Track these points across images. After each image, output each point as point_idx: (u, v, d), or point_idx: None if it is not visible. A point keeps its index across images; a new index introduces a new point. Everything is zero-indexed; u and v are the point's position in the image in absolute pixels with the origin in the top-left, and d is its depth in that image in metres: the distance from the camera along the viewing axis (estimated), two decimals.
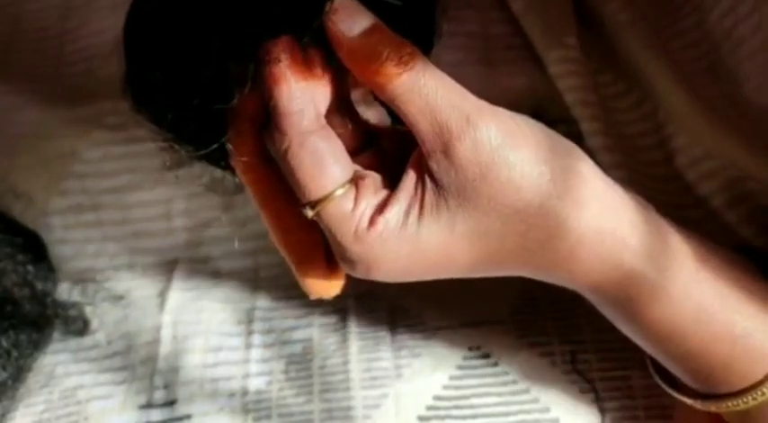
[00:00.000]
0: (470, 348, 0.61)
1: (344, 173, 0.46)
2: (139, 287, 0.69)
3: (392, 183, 0.47)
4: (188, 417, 0.61)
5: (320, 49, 0.46)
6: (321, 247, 0.49)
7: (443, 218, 0.45)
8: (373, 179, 0.47)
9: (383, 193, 0.46)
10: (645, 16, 0.68)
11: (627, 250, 0.47)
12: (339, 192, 0.45)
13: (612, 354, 0.60)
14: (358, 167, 0.48)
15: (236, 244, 0.69)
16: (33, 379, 0.64)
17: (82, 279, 0.69)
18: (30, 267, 0.66)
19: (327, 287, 0.51)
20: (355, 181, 0.46)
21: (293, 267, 0.50)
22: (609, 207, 0.47)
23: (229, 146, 0.47)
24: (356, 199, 0.46)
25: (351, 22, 0.45)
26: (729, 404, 0.50)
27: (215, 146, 0.48)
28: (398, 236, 0.45)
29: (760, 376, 0.49)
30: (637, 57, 0.67)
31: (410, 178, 0.46)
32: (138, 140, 0.70)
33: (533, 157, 0.45)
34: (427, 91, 0.44)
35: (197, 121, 0.47)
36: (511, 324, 0.63)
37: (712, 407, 0.51)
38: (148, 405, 0.62)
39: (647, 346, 0.51)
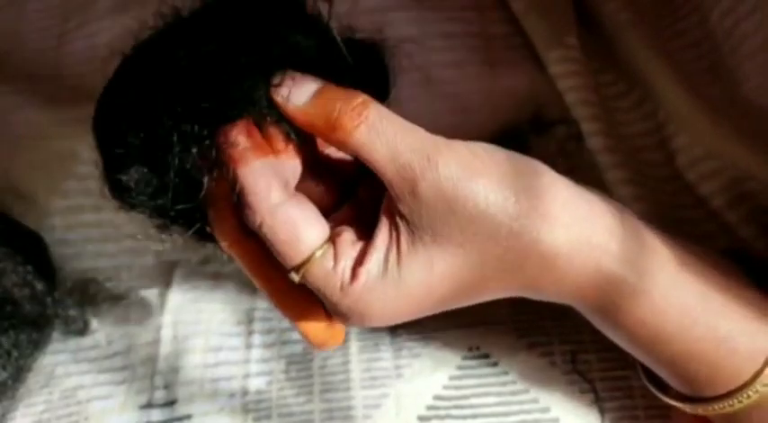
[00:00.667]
0: (470, 348, 0.61)
1: (320, 234, 0.48)
2: (139, 287, 0.69)
3: (371, 232, 0.48)
4: (188, 417, 0.61)
5: (280, 123, 0.48)
6: (318, 302, 0.50)
7: (421, 257, 0.46)
8: (349, 233, 0.48)
9: (360, 245, 0.48)
10: (645, 16, 0.68)
11: (605, 256, 0.48)
12: (318, 253, 0.47)
13: (612, 354, 0.60)
14: (333, 225, 0.49)
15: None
16: (33, 379, 0.64)
17: (82, 279, 0.69)
18: (30, 267, 0.66)
19: (332, 337, 0.51)
20: (332, 239, 0.48)
21: (295, 326, 0.51)
22: (581, 216, 0.48)
23: (210, 227, 0.50)
24: (335, 256, 0.47)
25: (297, 93, 0.47)
26: (716, 407, 0.50)
27: (198, 227, 0.50)
28: (382, 283, 0.47)
29: (745, 378, 0.49)
30: (637, 57, 0.67)
31: (384, 225, 0.47)
32: None
33: (495, 183, 0.46)
34: (385, 138, 0.46)
35: (175, 211, 0.49)
36: (510, 324, 0.62)
37: (699, 410, 0.51)
38: (149, 405, 0.62)
39: (634, 352, 0.52)
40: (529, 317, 0.63)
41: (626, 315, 0.49)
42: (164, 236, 0.52)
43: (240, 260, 0.50)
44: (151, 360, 0.64)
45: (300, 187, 0.50)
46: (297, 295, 0.50)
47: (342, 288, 0.47)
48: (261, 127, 0.48)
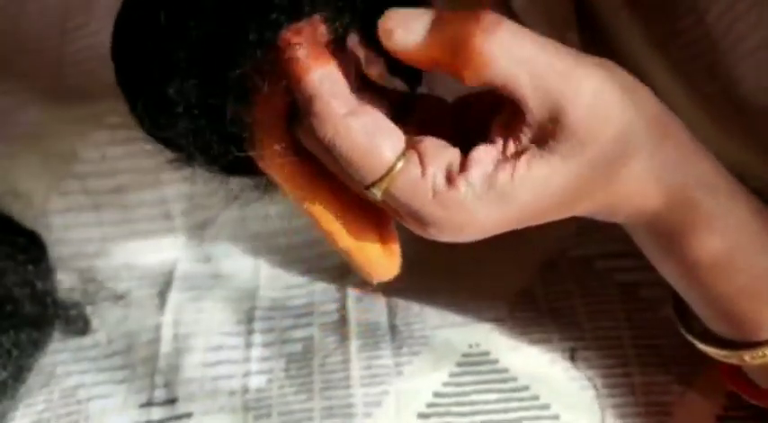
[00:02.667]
0: (470, 345, 0.61)
1: (399, 142, 0.44)
2: (140, 287, 0.69)
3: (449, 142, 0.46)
4: (188, 415, 0.61)
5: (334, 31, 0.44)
6: (374, 228, 0.48)
7: (541, 171, 0.43)
8: (430, 140, 0.45)
9: (452, 152, 0.45)
10: (644, 14, 0.68)
11: (690, 176, 0.47)
12: (401, 162, 0.43)
13: (612, 351, 0.60)
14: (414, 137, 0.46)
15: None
16: (34, 378, 0.64)
17: (82, 279, 0.69)
18: (30, 267, 0.66)
19: (388, 267, 0.49)
20: (412, 146, 0.45)
21: (350, 254, 0.48)
22: (681, 135, 0.48)
23: (257, 151, 0.46)
24: (422, 162, 0.44)
25: (411, 31, 0.43)
26: (767, 351, 0.49)
27: (238, 155, 0.46)
28: (487, 197, 0.43)
29: None
30: (636, 55, 0.67)
31: (497, 140, 0.44)
32: (138, 140, 0.70)
33: (628, 98, 0.45)
34: (525, 48, 0.43)
35: (217, 131, 0.45)
36: (510, 321, 0.62)
37: (746, 356, 0.50)
38: (149, 404, 0.62)
39: (690, 287, 0.51)
40: (529, 314, 0.63)
41: (695, 242, 0.48)
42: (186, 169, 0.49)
43: (289, 184, 0.47)
44: (151, 359, 0.64)
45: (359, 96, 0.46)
46: (353, 220, 0.47)
47: (435, 197, 0.43)
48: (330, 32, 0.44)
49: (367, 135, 0.43)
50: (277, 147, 0.46)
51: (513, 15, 0.71)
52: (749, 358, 0.50)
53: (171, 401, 0.62)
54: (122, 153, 0.72)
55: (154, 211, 0.71)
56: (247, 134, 0.45)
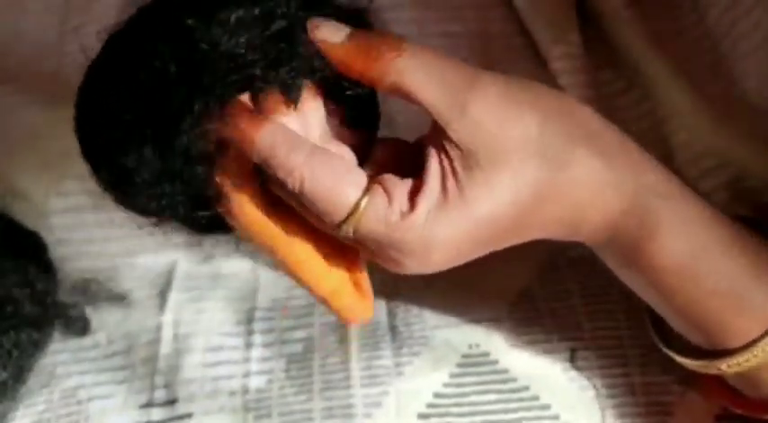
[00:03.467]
0: (470, 346, 0.61)
1: (363, 178, 0.47)
2: (140, 287, 0.69)
3: (409, 173, 0.48)
4: (189, 416, 0.61)
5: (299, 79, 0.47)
6: (346, 274, 0.50)
7: (479, 180, 0.46)
8: (389, 175, 0.48)
9: (407, 181, 0.47)
10: (646, 14, 0.68)
11: (642, 181, 0.48)
12: (366, 197, 0.46)
13: (612, 351, 0.60)
14: (367, 168, 0.49)
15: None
16: (34, 379, 0.64)
17: (82, 279, 0.69)
18: (30, 268, 0.66)
19: (363, 310, 0.51)
20: (375, 181, 0.47)
21: (325, 301, 0.51)
22: (618, 143, 0.49)
23: (225, 208, 0.48)
24: (387, 192, 0.46)
25: (334, 31, 0.47)
26: (740, 360, 0.50)
27: (204, 216, 0.49)
28: (445, 208, 0.46)
29: (762, 331, 0.49)
30: (637, 54, 0.67)
31: (432, 156, 0.47)
32: None
33: (533, 98, 0.47)
34: (428, 63, 0.46)
35: (181, 195, 0.47)
36: (510, 322, 0.62)
37: (722, 365, 0.51)
38: (149, 404, 0.62)
39: (657, 297, 0.51)
40: (528, 315, 0.63)
41: (657, 248, 0.48)
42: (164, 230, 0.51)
43: (261, 237, 0.49)
44: (151, 359, 0.64)
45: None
46: (325, 265, 0.49)
47: (403, 221, 0.46)
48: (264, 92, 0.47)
49: (332, 173, 0.46)
50: (246, 202, 0.48)
51: (514, 14, 0.71)
52: (725, 367, 0.51)
53: (171, 402, 0.62)
54: None
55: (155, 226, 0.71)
56: (213, 193, 0.47)
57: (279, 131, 0.46)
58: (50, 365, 0.65)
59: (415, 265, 0.47)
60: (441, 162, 0.46)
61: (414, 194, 0.46)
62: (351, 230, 0.46)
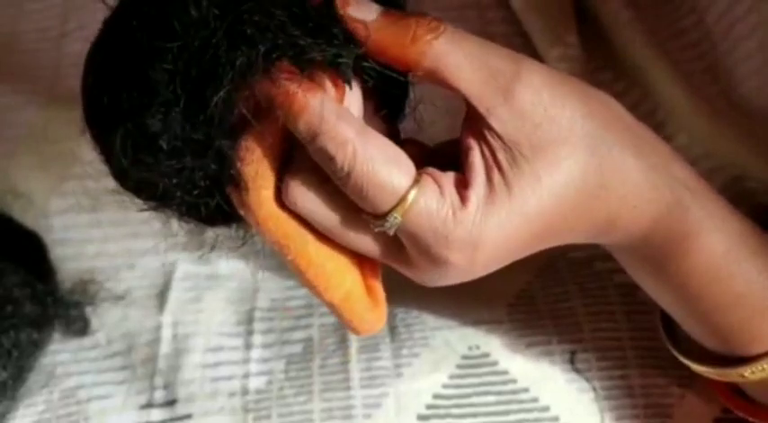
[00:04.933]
0: (470, 347, 0.61)
1: (411, 167, 0.44)
2: (139, 287, 0.69)
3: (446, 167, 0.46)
4: (188, 416, 0.61)
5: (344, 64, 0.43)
6: (360, 280, 0.48)
7: (526, 172, 0.43)
8: (432, 168, 0.45)
9: (450, 174, 0.45)
10: (644, 16, 0.68)
11: (685, 189, 0.47)
12: (416, 186, 0.43)
13: (612, 353, 0.60)
14: None
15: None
16: (34, 379, 0.64)
17: (82, 279, 0.69)
18: (30, 267, 0.66)
19: (374, 320, 0.49)
20: (423, 171, 0.44)
21: (335, 308, 0.48)
22: (663, 149, 0.47)
23: (243, 196, 0.44)
24: (439, 184, 0.44)
25: (366, 9, 0.43)
26: (765, 365, 0.49)
27: (218, 203, 0.45)
28: (494, 204, 0.43)
29: None
30: (636, 56, 0.67)
31: (473, 149, 0.44)
32: None
33: (579, 93, 0.45)
34: (468, 47, 0.43)
35: (202, 170, 0.43)
36: (510, 323, 0.62)
37: (746, 372, 0.50)
38: (149, 405, 0.62)
39: (682, 301, 0.50)
40: (528, 316, 0.63)
41: (690, 247, 0.47)
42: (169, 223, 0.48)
43: (278, 233, 0.45)
44: (151, 360, 0.64)
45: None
46: (340, 270, 0.47)
47: (455, 217, 0.43)
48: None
49: (386, 155, 0.43)
50: (266, 192, 0.44)
51: (512, 16, 0.71)
52: (749, 373, 0.50)
53: (170, 403, 0.62)
54: None
55: (154, 212, 0.71)
56: (235, 175, 0.43)
57: (330, 101, 0.42)
58: (50, 365, 0.65)
59: (458, 264, 0.45)
60: (483, 154, 0.44)
61: (461, 188, 0.44)
62: (397, 222, 0.43)
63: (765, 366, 0.49)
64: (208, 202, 0.45)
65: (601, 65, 0.69)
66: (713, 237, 0.48)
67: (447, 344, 0.62)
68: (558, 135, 0.44)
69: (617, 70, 0.69)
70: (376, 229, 0.44)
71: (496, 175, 0.44)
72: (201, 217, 0.47)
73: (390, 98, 0.46)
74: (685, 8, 0.67)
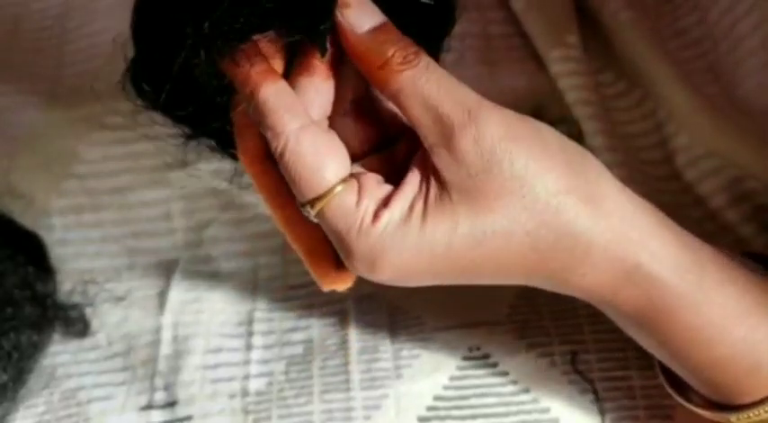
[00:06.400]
0: (470, 349, 0.61)
1: (343, 167, 0.46)
2: (140, 288, 0.69)
3: (397, 182, 0.46)
4: (188, 418, 0.61)
5: (331, 49, 0.46)
6: (328, 241, 0.48)
7: (447, 213, 0.44)
8: (374, 177, 0.47)
9: (386, 188, 0.46)
10: (645, 15, 0.68)
11: (645, 252, 0.45)
12: (340, 187, 0.45)
13: (613, 354, 0.60)
14: (359, 167, 0.48)
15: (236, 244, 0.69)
16: (34, 380, 0.64)
17: (82, 280, 0.69)
18: (30, 269, 0.66)
19: (339, 279, 0.50)
20: (356, 177, 0.46)
21: (303, 259, 0.50)
22: (623, 208, 0.46)
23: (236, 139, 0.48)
24: (359, 193, 0.45)
25: (361, 18, 0.45)
26: (751, 414, 0.49)
27: (216, 127, 0.49)
28: (402, 230, 0.44)
29: None
30: (637, 56, 0.67)
31: (414, 175, 0.46)
32: (138, 140, 0.70)
33: (538, 153, 0.44)
34: (429, 85, 0.44)
35: (200, 108, 0.48)
36: (510, 324, 0.62)
37: (732, 418, 0.50)
38: (149, 406, 0.62)
39: (667, 358, 0.50)
40: (529, 317, 0.63)
41: (667, 318, 0.47)
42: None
43: (255, 180, 0.49)
44: (151, 361, 0.64)
45: (338, 121, 0.48)
46: (308, 229, 0.48)
47: (360, 227, 0.45)
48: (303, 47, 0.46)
49: (315, 152, 0.45)
50: (247, 142, 0.48)
51: (513, 16, 0.71)
52: (735, 420, 0.50)
53: (171, 404, 0.62)
54: (122, 153, 0.73)
55: (154, 211, 0.71)
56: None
57: (281, 91, 0.45)
58: (50, 367, 0.65)
59: (358, 270, 0.46)
60: (420, 182, 0.45)
61: (381, 205, 0.45)
62: (313, 214, 0.45)
63: (750, 414, 0.49)
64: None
65: (602, 65, 0.69)
66: (688, 312, 0.47)
67: (447, 345, 0.62)
68: (491, 189, 0.44)
69: (618, 71, 0.69)
70: (301, 210, 0.46)
71: (419, 205, 0.45)
72: (216, 144, 0.52)
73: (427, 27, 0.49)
74: (687, 7, 0.67)
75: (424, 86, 0.44)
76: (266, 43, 0.46)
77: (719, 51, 0.64)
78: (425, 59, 0.45)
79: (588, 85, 0.66)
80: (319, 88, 0.47)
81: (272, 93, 0.45)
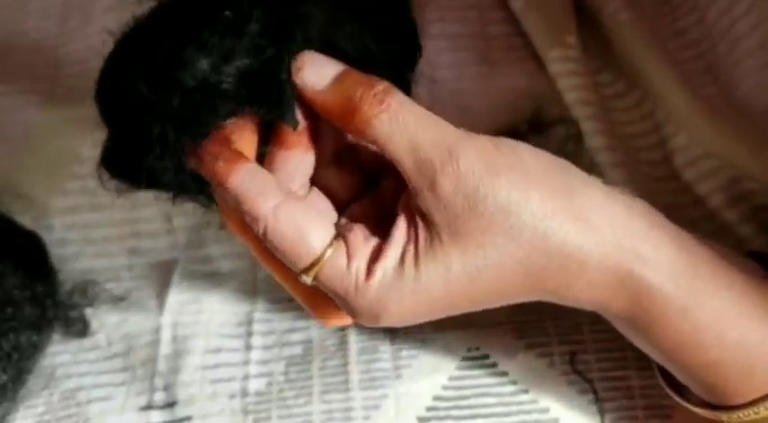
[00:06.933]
0: (469, 349, 0.61)
1: (327, 232, 0.47)
2: (139, 288, 0.69)
3: (387, 228, 0.47)
4: (188, 418, 0.61)
5: (305, 118, 0.47)
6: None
7: (439, 256, 0.45)
8: (360, 230, 0.47)
9: (374, 241, 0.47)
10: (644, 16, 0.68)
11: (638, 262, 0.46)
12: (329, 252, 0.46)
13: (612, 354, 0.60)
14: (347, 219, 0.49)
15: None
16: (34, 381, 0.64)
17: (82, 280, 0.69)
18: (30, 269, 0.66)
19: (340, 320, 0.51)
20: (342, 235, 0.47)
21: (304, 306, 0.51)
22: (612, 219, 0.46)
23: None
24: (348, 254, 0.46)
25: (318, 74, 0.46)
26: (741, 414, 0.49)
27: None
28: (398, 281, 0.45)
29: None
30: (636, 56, 0.67)
31: (402, 220, 0.46)
32: None
33: (519, 181, 0.44)
34: (406, 129, 0.44)
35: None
36: (510, 325, 0.62)
37: (723, 417, 0.50)
38: (148, 407, 0.62)
39: (662, 360, 0.50)
40: (528, 317, 0.63)
41: (659, 323, 0.47)
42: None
43: (251, 247, 0.50)
44: (151, 361, 0.64)
45: (321, 173, 0.49)
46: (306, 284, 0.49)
47: (357, 287, 0.46)
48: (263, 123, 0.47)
49: (295, 227, 0.46)
50: (232, 217, 0.49)
51: (512, 16, 0.71)
52: (726, 419, 0.50)
53: (170, 404, 0.62)
54: None
55: (154, 211, 0.71)
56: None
57: (250, 176, 0.46)
58: (50, 367, 0.65)
59: (364, 323, 0.47)
60: (408, 228, 0.46)
61: (374, 259, 0.46)
62: (309, 280, 0.46)
63: (741, 415, 0.49)
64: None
65: (601, 65, 0.69)
66: (679, 319, 0.47)
67: (446, 345, 0.62)
68: (478, 226, 0.44)
69: (617, 71, 0.69)
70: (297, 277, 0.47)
71: (410, 252, 0.45)
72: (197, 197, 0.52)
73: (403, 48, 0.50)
74: (685, 7, 0.67)
75: (401, 130, 0.44)
76: (236, 124, 0.47)
77: (718, 52, 0.64)
78: (397, 98, 0.45)
79: (587, 86, 0.66)
80: (299, 161, 0.48)
81: (240, 180, 0.46)
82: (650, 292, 0.46)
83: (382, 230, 0.47)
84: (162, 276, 0.69)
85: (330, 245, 0.46)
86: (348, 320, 0.51)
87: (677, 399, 0.54)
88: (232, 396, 0.62)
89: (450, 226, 0.44)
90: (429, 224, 0.45)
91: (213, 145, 0.46)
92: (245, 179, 0.46)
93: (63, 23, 0.81)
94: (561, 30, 0.68)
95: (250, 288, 0.67)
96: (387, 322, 0.47)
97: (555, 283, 0.46)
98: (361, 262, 0.46)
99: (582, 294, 0.47)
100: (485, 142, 0.45)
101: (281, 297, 0.66)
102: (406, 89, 0.51)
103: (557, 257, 0.45)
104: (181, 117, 0.45)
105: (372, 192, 0.50)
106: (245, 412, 0.61)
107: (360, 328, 0.63)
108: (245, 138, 0.47)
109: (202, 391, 0.62)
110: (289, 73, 0.46)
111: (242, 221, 0.47)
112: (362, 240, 0.47)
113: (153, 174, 0.48)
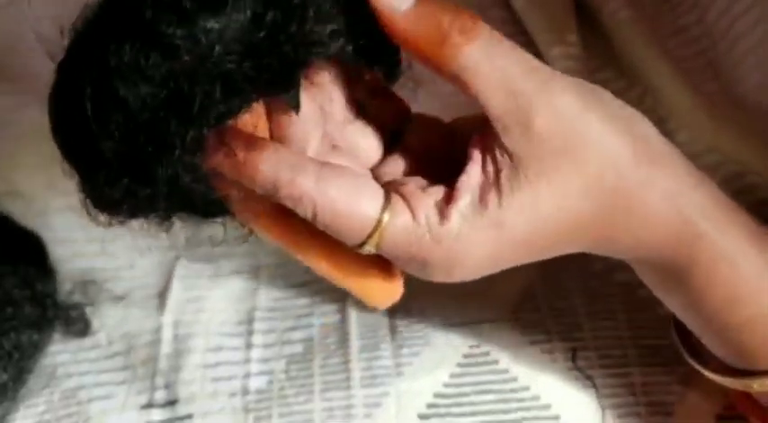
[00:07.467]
0: (471, 346, 0.61)
1: (378, 194, 0.44)
2: (140, 287, 0.69)
3: (435, 177, 0.45)
4: (189, 417, 0.61)
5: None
6: (371, 262, 0.47)
7: (526, 195, 0.42)
8: (414, 182, 0.45)
9: (434, 189, 0.44)
10: (645, 13, 0.68)
11: (690, 208, 0.44)
12: (386, 215, 0.43)
13: (613, 351, 0.60)
14: (391, 177, 0.47)
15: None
16: (34, 380, 0.64)
17: (82, 279, 0.69)
18: (30, 268, 0.66)
19: (390, 293, 0.49)
20: (396, 192, 0.45)
21: (352, 291, 0.49)
22: (675, 167, 0.45)
23: (241, 214, 0.46)
24: (411, 207, 0.44)
25: None
26: (765, 382, 0.48)
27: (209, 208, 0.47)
28: (480, 224, 0.43)
29: None
30: (637, 54, 0.67)
31: (475, 162, 0.43)
32: None
33: (608, 120, 0.43)
34: (498, 60, 0.41)
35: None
36: (511, 322, 0.62)
37: (755, 384, 0.49)
38: (149, 405, 0.62)
39: (696, 317, 0.49)
40: (529, 314, 0.63)
41: (703, 272, 0.46)
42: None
43: (271, 235, 0.47)
44: (152, 360, 0.64)
45: (345, 135, 0.47)
46: (350, 261, 0.47)
47: (432, 237, 0.43)
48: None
49: (346, 197, 0.43)
50: (258, 215, 0.46)
51: (513, 15, 0.71)
52: (757, 386, 0.49)
53: (171, 403, 0.62)
54: None
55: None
56: (220, 204, 0.46)
57: (281, 156, 0.43)
58: (50, 366, 0.65)
59: (439, 275, 0.45)
60: (485, 169, 0.43)
61: (446, 203, 0.43)
62: (373, 249, 0.44)
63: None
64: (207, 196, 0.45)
65: (601, 63, 0.69)
66: (724, 268, 0.46)
67: (448, 342, 0.62)
68: (570, 164, 0.42)
69: (617, 68, 0.69)
70: (357, 250, 0.45)
71: (492, 196, 0.43)
72: (201, 214, 0.49)
73: (381, 66, 0.45)
74: (685, 5, 0.67)
75: (493, 60, 0.41)
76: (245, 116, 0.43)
77: (718, 49, 0.64)
78: (486, 28, 0.42)
79: None
80: (329, 98, 0.46)
81: (273, 164, 0.42)
82: (702, 240, 0.45)
83: (433, 179, 0.45)
84: (162, 276, 0.69)
85: (384, 207, 0.43)
86: (397, 295, 0.49)
87: (696, 365, 0.53)
88: (233, 394, 0.62)
89: (541, 163, 0.42)
90: (516, 162, 0.42)
91: (232, 138, 0.42)
92: (278, 160, 0.42)
93: (63, 23, 0.81)
94: (562, 28, 0.68)
95: (251, 286, 0.67)
96: (466, 272, 0.44)
97: (616, 228, 0.45)
98: (429, 211, 0.43)
99: (634, 236, 0.45)
100: (576, 80, 0.43)
101: (282, 295, 0.66)
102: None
103: (633, 198, 0.44)
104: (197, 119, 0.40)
105: (397, 147, 0.48)
106: (246, 410, 0.61)
107: (360, 325, 0.63)
108: (256, 118, 0.44)
109: (203, 389, 0.62)
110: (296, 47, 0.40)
111: (274, 215, 0.45)
112: (421, 191, 0.44)
113: (144, 203, 0.45)
